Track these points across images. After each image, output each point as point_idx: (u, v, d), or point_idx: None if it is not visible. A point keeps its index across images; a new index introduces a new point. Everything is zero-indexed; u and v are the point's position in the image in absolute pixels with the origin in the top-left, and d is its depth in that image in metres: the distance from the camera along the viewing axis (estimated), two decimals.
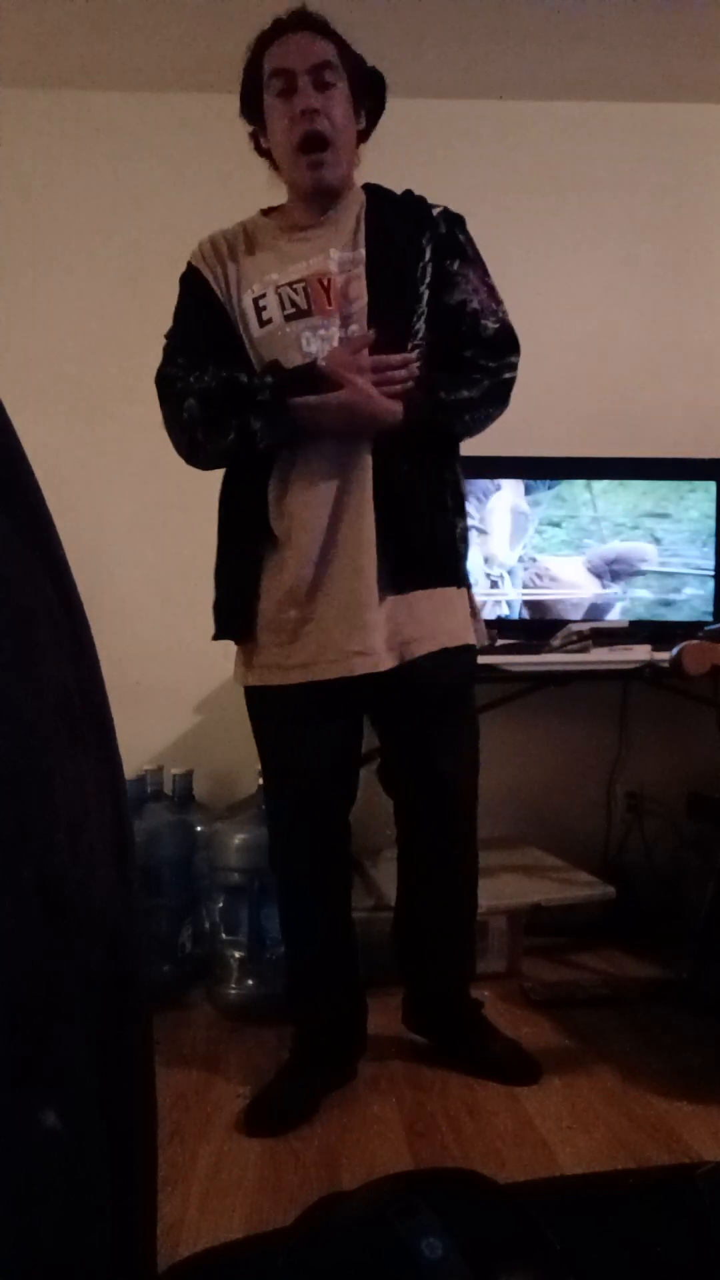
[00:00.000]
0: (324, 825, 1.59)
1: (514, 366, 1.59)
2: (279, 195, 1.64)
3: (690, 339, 2.68)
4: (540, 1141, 1.40)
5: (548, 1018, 1.86)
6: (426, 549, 1.53)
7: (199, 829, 2.13)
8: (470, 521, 1.69)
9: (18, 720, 0.44)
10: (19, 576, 0.46)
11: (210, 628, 1.59)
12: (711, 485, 2.44)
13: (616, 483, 2.44)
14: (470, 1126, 1.45)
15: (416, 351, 1.51)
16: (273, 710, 1.57)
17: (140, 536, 2.54)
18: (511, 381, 1.59)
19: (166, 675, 2.47)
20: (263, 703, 1.58)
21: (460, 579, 1.58)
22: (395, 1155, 1.38)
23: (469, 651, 1.59)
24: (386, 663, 1.47)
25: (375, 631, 1.46)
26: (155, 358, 1.57)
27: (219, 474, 1.66)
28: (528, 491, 2.42)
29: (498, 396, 1.58)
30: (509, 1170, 1.32)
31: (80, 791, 0.50)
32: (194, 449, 1.54)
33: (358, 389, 1.44)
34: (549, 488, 2.43)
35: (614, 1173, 1.25)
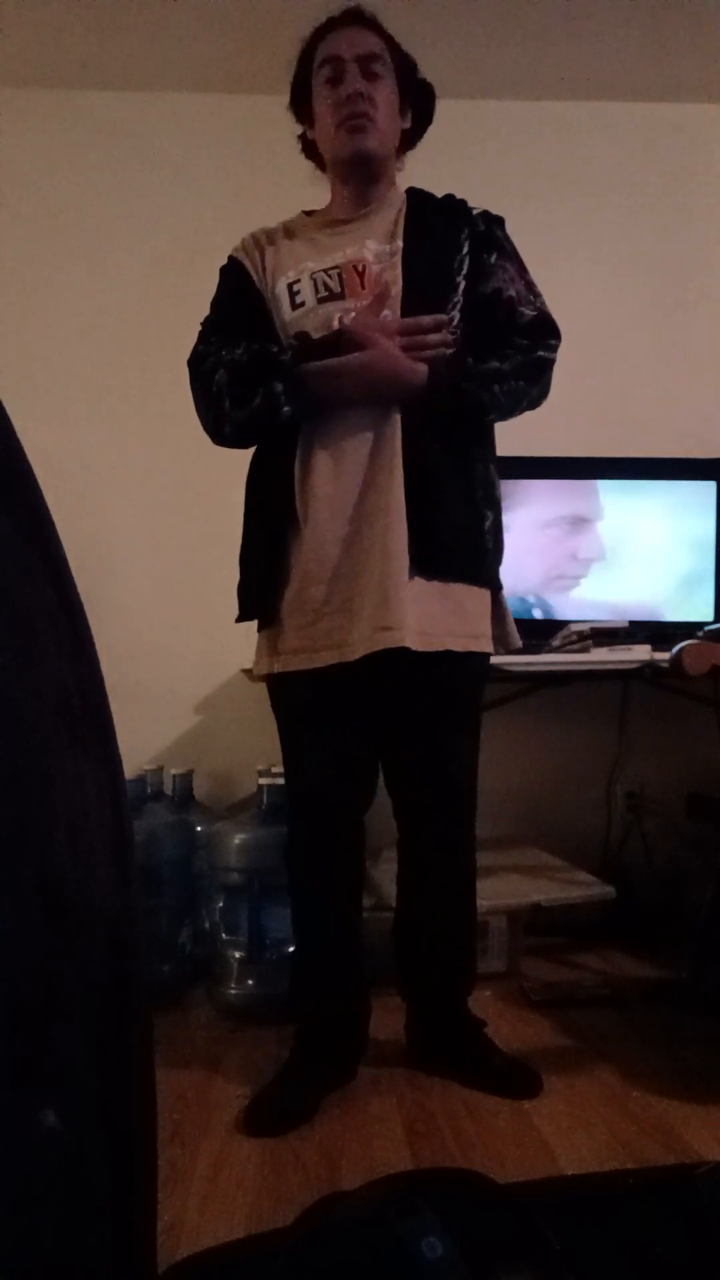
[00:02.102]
0: (339, 823, 1.58)
1: (552, 348, 1.55)
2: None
3: (690, 339, 2.68)
4: (540, 1141, 1.40)
5: (548, 1018, 1.86)
6: (452, 536, 1.48)
7: (199, 829, 2.13)
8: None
9: (18, 720, 0.44)
10: (19, 576, 0.46)
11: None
12: (711, 485, 2.44)
13: (616, 482, 2.44)
14: (470, 1126, 1.45)
15: (453, 326, 1.49)
16: (296, 700, 1.54)
17: (140, 536, 2.54)
18: (546, 361, 1.55)
19: (166, 675, 2.47)
20: (286, 692, 1.55)
21: (485, 578, 1.54)
22: (395, 1155, 1.37)
23: (482, 659, 1.57)
24: (413, 641, 1.41)
25: (404, 609, 1.41)
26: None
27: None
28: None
29: (531, 372, 1.53)
30: (509, 1170, 1.32)
31: (80, 791, 0.50)
32: (219, 421, 1.52)
33: (380, 348, 1.42)
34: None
35: (614, 1173, 1.25)
